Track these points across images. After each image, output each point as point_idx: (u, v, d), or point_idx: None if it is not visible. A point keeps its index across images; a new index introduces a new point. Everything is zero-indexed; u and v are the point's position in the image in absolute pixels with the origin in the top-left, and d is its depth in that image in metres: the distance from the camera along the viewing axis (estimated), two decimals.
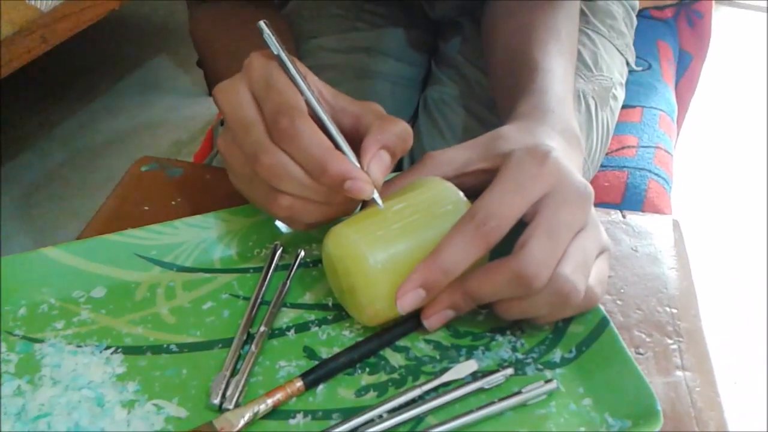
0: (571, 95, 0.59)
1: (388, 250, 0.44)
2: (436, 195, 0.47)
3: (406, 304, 0.44)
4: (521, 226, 0.44)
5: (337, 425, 0.41)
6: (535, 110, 0.53)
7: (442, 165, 0.49)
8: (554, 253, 0.43)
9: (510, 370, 0.45)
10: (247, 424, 0.42)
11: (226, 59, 0.65)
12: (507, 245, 0.44)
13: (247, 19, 0.69)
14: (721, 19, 2.57)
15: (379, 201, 0.45)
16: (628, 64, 0.90)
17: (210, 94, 0.70)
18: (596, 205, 0.84)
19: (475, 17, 0.81)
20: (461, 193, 0.47)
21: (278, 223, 0.54)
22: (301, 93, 0.45)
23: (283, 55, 0.46)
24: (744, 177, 1.97)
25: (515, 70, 0.61)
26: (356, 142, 0.46)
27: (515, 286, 0.43)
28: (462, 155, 0.49)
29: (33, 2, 1.55)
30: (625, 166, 0.87)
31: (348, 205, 0.47)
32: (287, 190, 0.45)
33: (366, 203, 0.48)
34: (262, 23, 0.46)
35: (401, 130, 0.46)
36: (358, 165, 0.45)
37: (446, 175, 0.49)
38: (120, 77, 2.28)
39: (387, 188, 0.49)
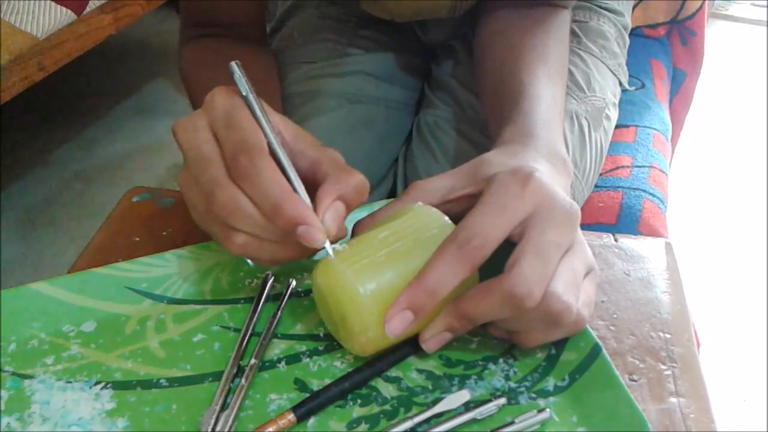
0: (559, 118, 0.59)
1: (376, 278, 0.44)
2: (421, 220, 0.47)
3: (394, 327, 0.44)
4: (512, 247, 0.44)
5: None
6: (520, 135, 0.54)
7: (428, 193, 0.49)
8: (545, 272, 0.43)
9: (503, 400, 0.44)
10: None
11: (203, 95, 0.65)
12: (500, 267, 0.43)
13: (228, 55, 0.69)
14: (716, 33, 2.59)
15: (331, 251, 0.45)
16: (621, 84, 0.90)
17: None
18: (591, 226, 0.83)
19: (468, 41, 0.81)
20: (446, 217, 0.47)
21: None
22: (264, 134, 0.45)
23: (251, 96, 0.46)
24: (742, 193, 1.96)
25: (503, 95, 0.61)
26: (312, 188, 0.46)
27: (508, 306, 0.42)
28: (447, 182, 0.50)
29: (29, 30, 1.56)
30: (619, 187, 0.86)
31: (304, 249, 0.46)
32: (241, 227, 0.45)
33: (353, 232, 0.48)
34: (233, 64, 0.46)
35: (358, 182, 0.46)
36: (313, 211, 0.44)
37: (432, 202, 0.49)
38: (118, 101, 2.29)
39: (373, 218, 0.49)
